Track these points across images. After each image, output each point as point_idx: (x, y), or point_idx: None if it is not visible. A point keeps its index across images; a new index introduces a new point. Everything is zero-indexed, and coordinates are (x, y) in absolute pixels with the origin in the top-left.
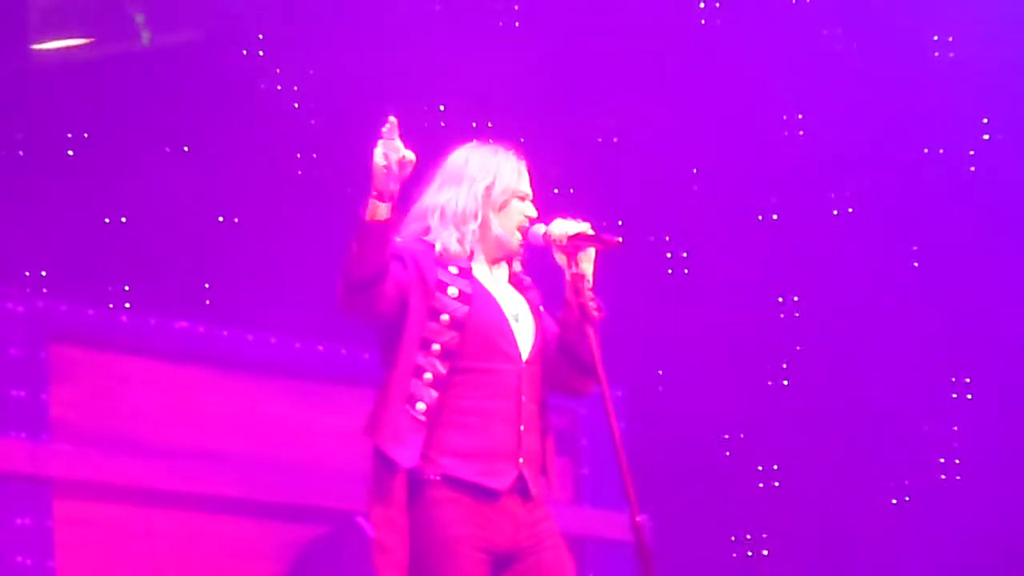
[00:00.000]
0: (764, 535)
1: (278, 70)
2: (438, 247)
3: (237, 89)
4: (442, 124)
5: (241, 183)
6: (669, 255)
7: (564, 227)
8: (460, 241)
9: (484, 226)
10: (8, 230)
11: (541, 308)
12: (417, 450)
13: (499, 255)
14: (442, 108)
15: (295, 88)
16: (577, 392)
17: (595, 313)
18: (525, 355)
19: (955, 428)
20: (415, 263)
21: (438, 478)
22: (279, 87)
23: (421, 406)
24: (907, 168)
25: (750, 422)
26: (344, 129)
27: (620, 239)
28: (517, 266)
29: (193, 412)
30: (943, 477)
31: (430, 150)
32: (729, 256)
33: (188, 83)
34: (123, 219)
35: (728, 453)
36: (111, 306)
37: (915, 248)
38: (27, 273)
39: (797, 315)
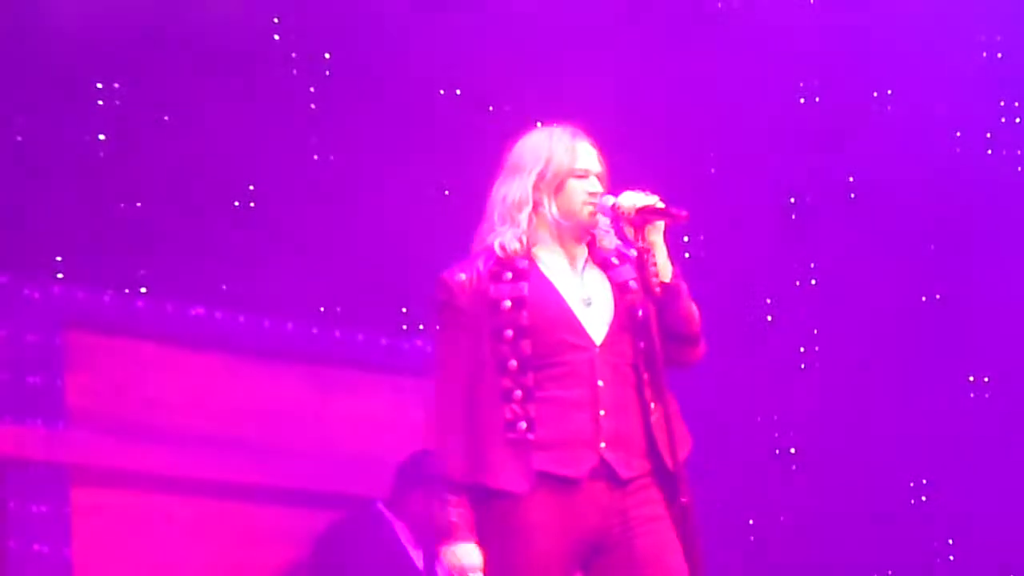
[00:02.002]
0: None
1: (294, 54)
2: (496, 247)
3: (252, 72)
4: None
5: (257, 167)
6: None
7: (632, 199)
8: (516, 235)
9: (539, 212)
10: (23, 216)
11: (632, 283)
12: (529, 471)
13: (571, 237)
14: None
15: (310, 72)
16: (680, 363)
17: (667, 279)
18: (599, 339)
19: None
20: (471, 310)
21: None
22: (295, 71)
23: (523, 424)
24: (930, 149)
25: (768, 405)
26: (360, 114)
27: (687, 213)
28: (609, 241)
29: (210, 398)
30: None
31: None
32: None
33: (203, 63)
34: (138, 204)
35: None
36: (127, 292)
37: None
38: (43, 259)
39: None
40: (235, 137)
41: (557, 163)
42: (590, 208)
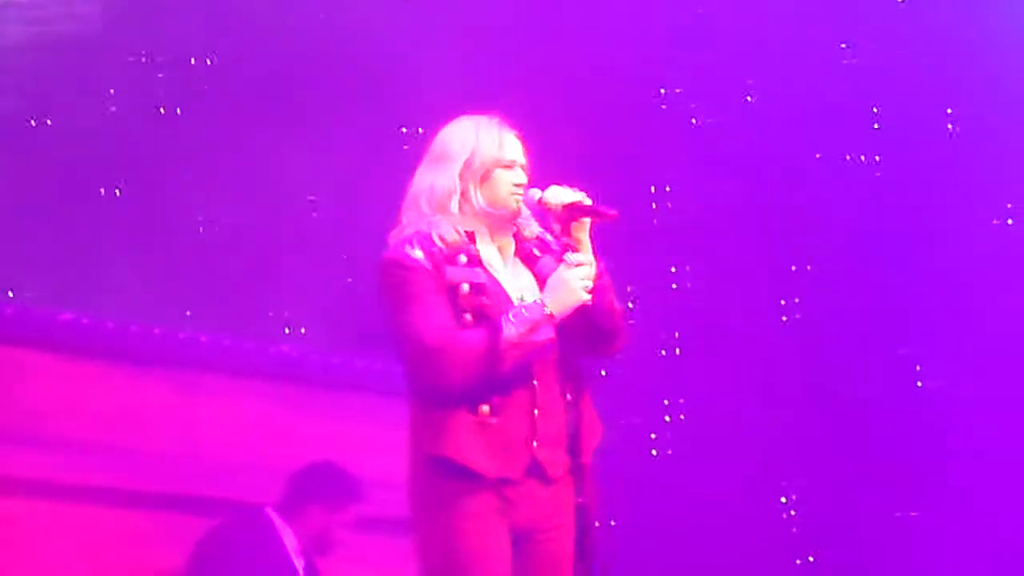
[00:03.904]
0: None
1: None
2: (435, 236)
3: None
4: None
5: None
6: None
7: (560, 195)
8: (452, 224)
9: (467, 202)
10: None
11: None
12: (493, 455)
13: (498, 228)
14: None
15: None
16: (598, 355)
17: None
18: None
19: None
20: (436, 284)
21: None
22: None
23: (486, 408)
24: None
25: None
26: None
27: (616, 212)
28: (531, 230)
29: (90, 405)
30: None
31: None
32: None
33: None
34: None
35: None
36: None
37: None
38: None
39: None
40: (91, 128)
41: (484, 152)
42: (516, 199)
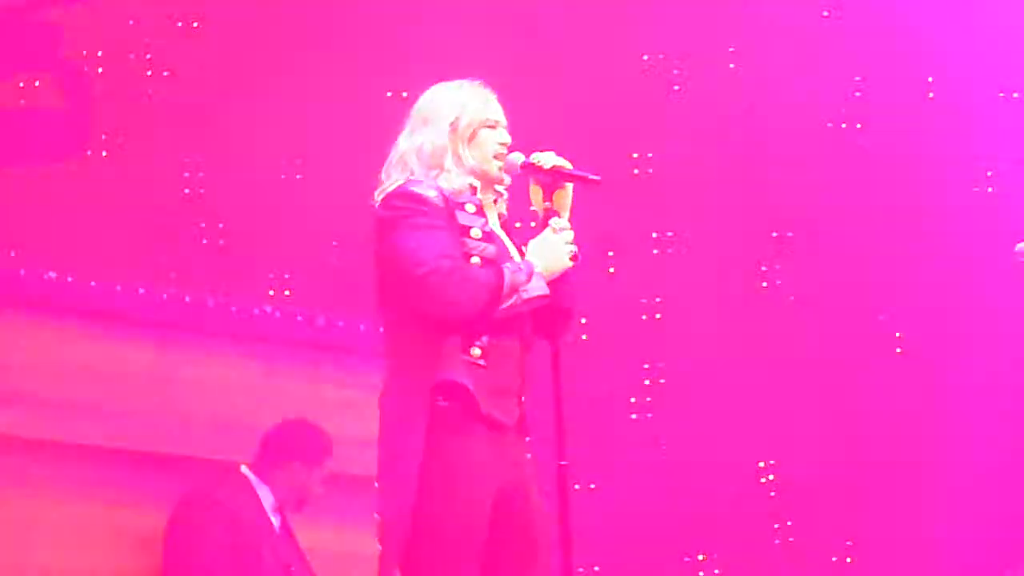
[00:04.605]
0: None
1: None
2: (444, 185)
3: None
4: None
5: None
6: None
7: (546, 158)
8: (449, 177)
9: (460, 161)
10: None
11: (524, 248)
12: (483, 394)
13: (483, 192)
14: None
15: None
16: (550, 335)
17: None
18: None
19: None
20: (447, 222)
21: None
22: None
23: (476, 351)
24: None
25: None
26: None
27: (599, 177)
28: (503, 207)
29: (71, 365)
30: None
31: None
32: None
33: None
34: None
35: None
36: None
37: None
38: None
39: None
40: None
41: (471, 112)
42: (498, 164)
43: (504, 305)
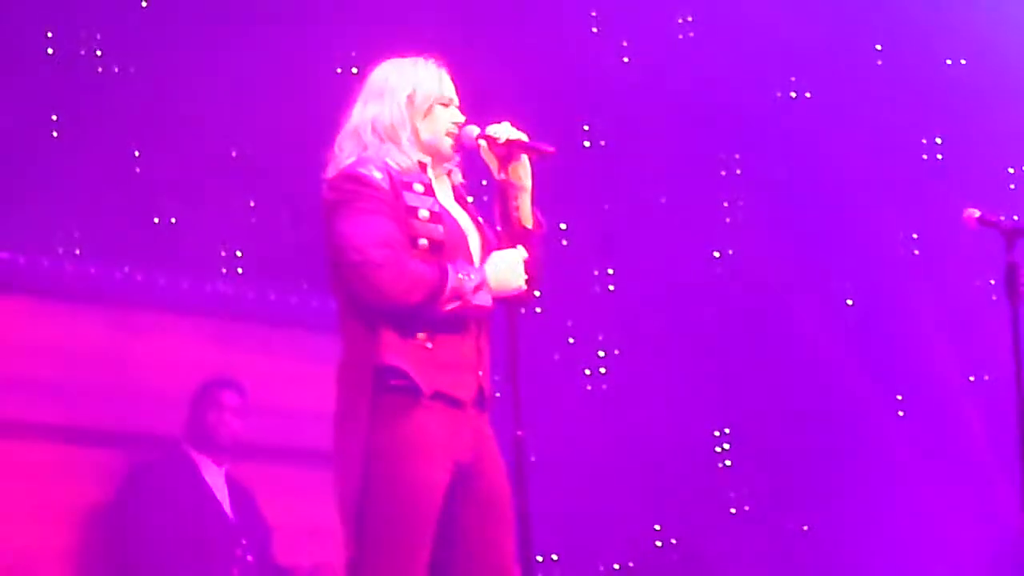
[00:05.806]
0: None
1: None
2: (391, 162)
3: None
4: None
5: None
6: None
7: (501, 130)
8: (402, 152)
9: (415, 136)
10: None
11: (480, 220)
12: (428, 373)
13: (436, 166)
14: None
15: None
16: (510, 305)
17: (528, 224)
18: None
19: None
20: (391, 204)
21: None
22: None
23: (422, 335)
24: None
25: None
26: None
27: (553, 149)
28: (458, 177)
29: (24, 343)
30: None
31: None
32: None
33: None
34: None
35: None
36: None
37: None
38: None
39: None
40: None
41: (426, 88)
42: (449, 141)
43: (446, 308)
